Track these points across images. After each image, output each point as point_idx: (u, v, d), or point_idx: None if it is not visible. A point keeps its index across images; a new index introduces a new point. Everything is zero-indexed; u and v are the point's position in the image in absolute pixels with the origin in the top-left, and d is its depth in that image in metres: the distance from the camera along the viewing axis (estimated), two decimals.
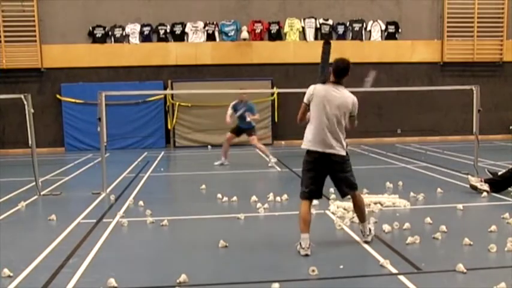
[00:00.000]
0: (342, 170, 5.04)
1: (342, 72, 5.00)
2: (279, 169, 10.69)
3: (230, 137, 11.35)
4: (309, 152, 5.06)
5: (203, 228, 6.24)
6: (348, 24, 16.34)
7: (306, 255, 4.84)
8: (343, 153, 5.01)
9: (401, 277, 4.29)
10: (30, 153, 8.32)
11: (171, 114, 15.70)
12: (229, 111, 11.09)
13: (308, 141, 5.05)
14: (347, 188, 5.11)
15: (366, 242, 5.24)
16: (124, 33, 15.81)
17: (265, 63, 16.06)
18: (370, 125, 15.67)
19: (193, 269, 4.51)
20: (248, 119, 10.95)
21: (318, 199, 5.36)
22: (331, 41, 5.47)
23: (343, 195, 5.23)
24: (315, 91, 5.04)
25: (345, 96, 5.02)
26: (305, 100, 5.11)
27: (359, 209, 5.24)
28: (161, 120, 15.83)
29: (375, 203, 6.85)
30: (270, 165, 10.91)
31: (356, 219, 6.04)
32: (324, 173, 5.07)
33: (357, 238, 5.44)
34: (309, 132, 5.06)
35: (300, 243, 4.91)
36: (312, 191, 5.07)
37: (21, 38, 15.40)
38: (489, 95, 15.54)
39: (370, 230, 5.31)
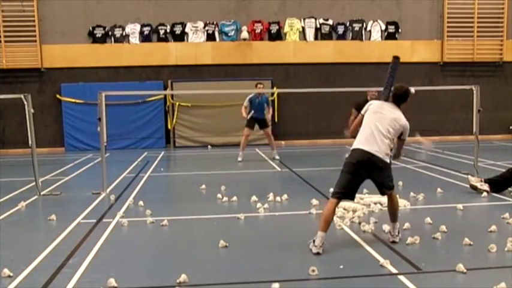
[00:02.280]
0: (382, 175, 5.15)
1: (399, 99, 5.26)
2: (278, 169, 10.71)
3: (248, 132, 12.04)
4: (354, 150, 5.14)
5: (203, 228, 6.24)
6: (348, 24, 16.32)
7: (318, 253, 4.85)
8: (387, 160, 5.11)
9: (401, 277, 4.29)
10: (30, 153, 8.32)
11: (171, 114, 15.70)
12: (246, 103, 11.80)
13: (355, 143, 5.20)
14: (386, 189, 5.24)
15: (393, 242, 5.24)
16: (124, 33, 15.79)
17: (265, 63, 16.04)
18: None
19: (193, 269, 4.51)
20: (266, 112, 11.90)
21: (349, 200, 5.44)
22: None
23: (382, 194, 5.37)
24: (372, 104, 5.32)
25: (397, 115, 5.19)
26: (362, 112, 5.36)
27: (393, 208, 5.32)
28: (161, 120, 15.82)
29: (375, 203, 6.85)
30: (276, 157, 11.98)
31: (356, 220, 6.09)
32: (363, 177, 5.14)
33: (357, 238, 5.45)
34: (358, 136, 5.22)
35: (314, 240, 4.92)
36: (346, 193, 5.13)
37: (21, 38, 15.38)
38: (489, 95, 15.55)
39: (399, 231, 5.35)
